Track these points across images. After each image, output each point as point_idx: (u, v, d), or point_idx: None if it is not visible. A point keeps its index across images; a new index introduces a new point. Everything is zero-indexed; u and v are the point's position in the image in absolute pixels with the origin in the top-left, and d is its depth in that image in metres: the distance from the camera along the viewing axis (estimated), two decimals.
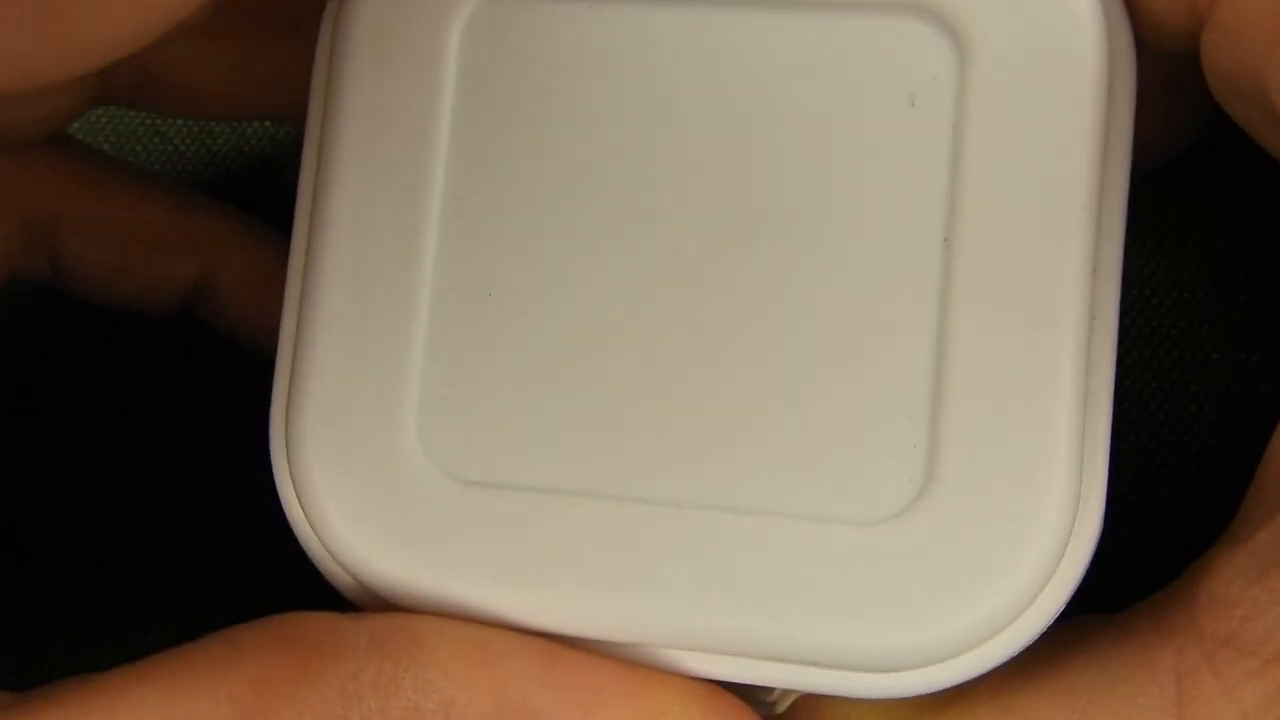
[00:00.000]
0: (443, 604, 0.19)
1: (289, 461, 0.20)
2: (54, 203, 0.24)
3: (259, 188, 0.29)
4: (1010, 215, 0.18)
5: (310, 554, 0.20)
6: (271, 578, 0.25)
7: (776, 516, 0.18)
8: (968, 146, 0.18)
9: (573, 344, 0.19)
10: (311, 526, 0.19)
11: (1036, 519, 0.18)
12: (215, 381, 0.28)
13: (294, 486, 0.19)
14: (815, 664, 0.18)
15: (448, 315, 0.19)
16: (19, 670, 0.27)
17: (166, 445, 0.28)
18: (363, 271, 0.19)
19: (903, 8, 0.19)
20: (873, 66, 0.19)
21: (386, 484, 0.19)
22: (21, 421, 0.29)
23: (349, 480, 0.19)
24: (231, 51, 0.24)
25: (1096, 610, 0.26)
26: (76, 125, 0.29)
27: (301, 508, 0.19)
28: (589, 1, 0.20)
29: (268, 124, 0.29)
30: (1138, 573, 0.26)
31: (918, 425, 0.18)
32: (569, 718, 0.18)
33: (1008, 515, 0.18)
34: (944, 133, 0.18)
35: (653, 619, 0.18)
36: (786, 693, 0.20)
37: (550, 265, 0.19)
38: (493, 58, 0.20)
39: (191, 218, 0.25)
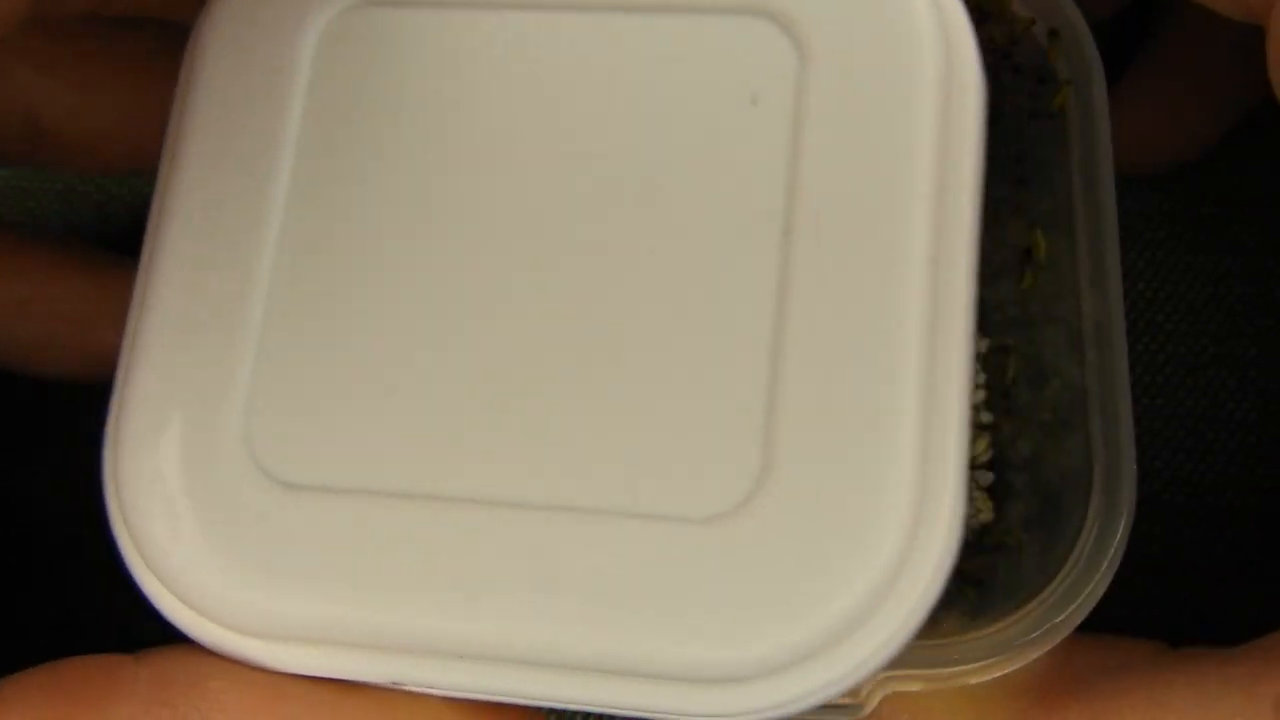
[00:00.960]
0: (256, 614, 0.18)
1: (115, 464, 0.19)
2: None
3: None
4: (848, 210, 0.18)
5: (128, 564, 0.19)
6: None
7: (607, 515, 0.18)
8: (806, 144, 0.18)
9: (408, 347, 0.19)
10: (128, 530, 0.19)
11: (876, 516, 0.17)
12: None
13: (115, 489, 0.19)
14: (650, 675, 0.17)
15: (283, 317, 0.19)
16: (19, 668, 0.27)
17: None
18: (198, 272, 0.19)
19: (745, 10, 0.19)
20: (717, 67, 0.19)
21: (206, 487, 0.18)
22: (22, 416, 0.28)
23: (169, 483, 0.19)
24: (122, 101, 0.23)
25: (1121, 603, 0.26)
26: None
27: (120, 510, 0.19)
28: (442, 8, 0.20)
29: None
30: (1168, 570, 0.25)
31: (753, 420, 0.18)
32: None
33: (846, 513, 0.17)
34: (784, 131, 0.19)
35: (479, 627, 0.18)
36: (871, 694, 0.20)
37: (389, 268, 0.19)
38: (346, 65, 0.20)
39: (115, 287, 0.24)
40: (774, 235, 0.18)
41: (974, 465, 0.25)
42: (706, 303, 0.18)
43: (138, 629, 0.18)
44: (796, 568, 0.17)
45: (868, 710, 0.20)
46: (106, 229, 0.29)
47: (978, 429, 0.25)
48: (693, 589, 0.17)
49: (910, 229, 0.18)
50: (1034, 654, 0.20)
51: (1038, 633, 0.20)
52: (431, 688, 0.18)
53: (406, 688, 0.18)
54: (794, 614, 0.17)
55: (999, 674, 0.20)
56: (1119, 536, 0.20)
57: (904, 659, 0.21)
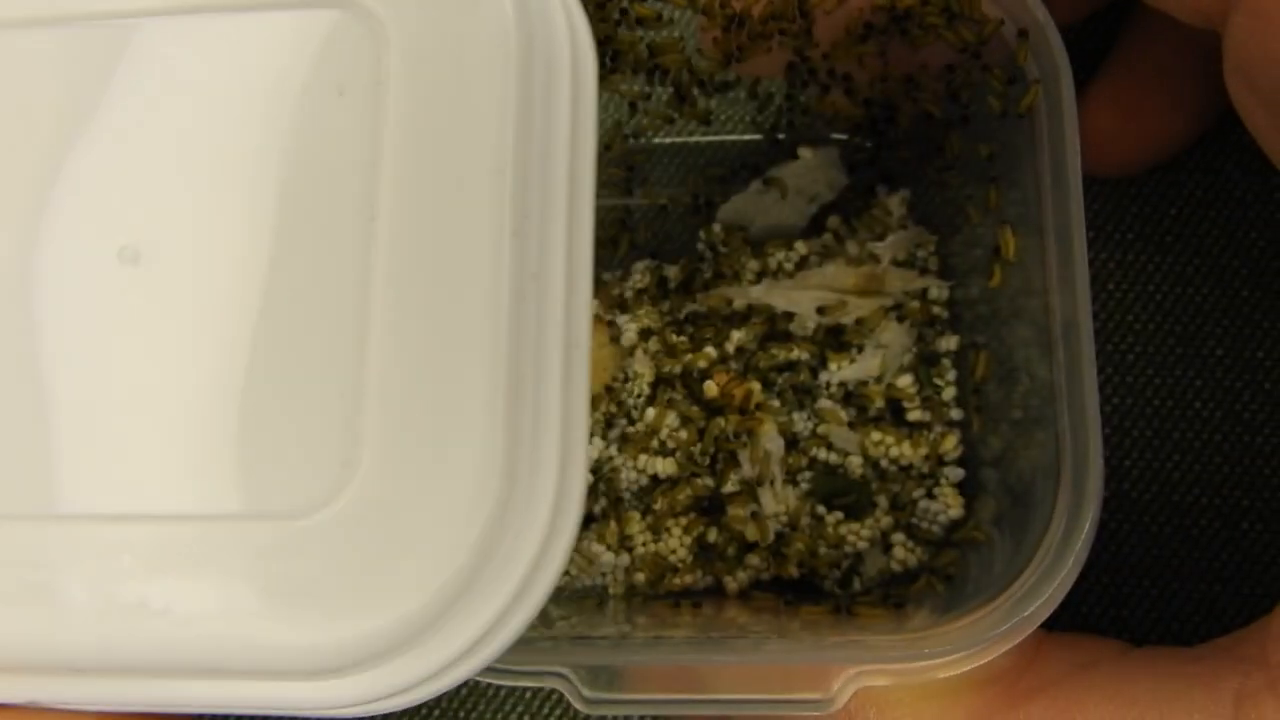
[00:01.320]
0: None
1: None
2: None
3: None
4: (430, 192, 0.18)
5: None
6: None
7: (202, 519, 0.18)
8: (389, 130, 0.19)
9: None
10: None
11: (465, 500, 0.17)
12: None
13: None
14: (262, 673, 0.17)
15: None
16: None
17: None
18: None
19: (323, 4, 0.19)
20: (303, 61, 0.19)
21: None
22: None
23: None
24: None
25: (1100, 595, 0.26)
26: None
27: None
28: (18, 29, 0.20)
29: None
30: (1134, 566, 0.26)
31: (342, 414, 0.18)
32: None
33: (436, 498, 0.17)
34: (369, 118, 0.19)
35: (88, 639, 0.18)
36: (841, 689, 0.20)
37: None
38: None
39: None
40: (361, 223, 0.18)
41: (944, 462, 0.25)
42: (297, 300, 0.18)
43: None
44: (389, 554, 0.17)
45: (838, 705, 0.21)
46: None
47: (948, 426, 0.25)
48: (291, 583, 0.17)
49: (490, 205, 0.18)
50: (1003, 647, 0.20)
51: (1006, 626, 0.20)
52: (65, 704, 0.18)
53: (44, 705, 0.18)
54: (389, 598, 0.17)
55: (968, 668, 0.20)
56: (1086, 532, 0.20)
57: (875, 654, 0.21)
